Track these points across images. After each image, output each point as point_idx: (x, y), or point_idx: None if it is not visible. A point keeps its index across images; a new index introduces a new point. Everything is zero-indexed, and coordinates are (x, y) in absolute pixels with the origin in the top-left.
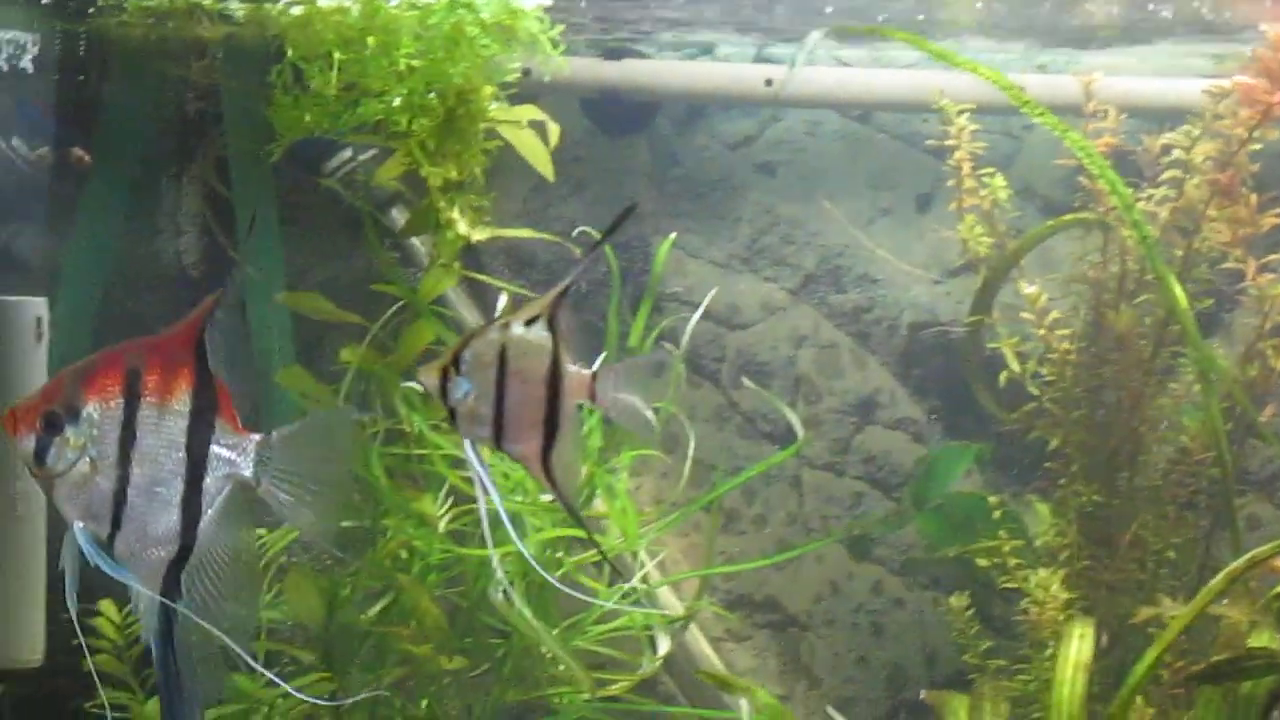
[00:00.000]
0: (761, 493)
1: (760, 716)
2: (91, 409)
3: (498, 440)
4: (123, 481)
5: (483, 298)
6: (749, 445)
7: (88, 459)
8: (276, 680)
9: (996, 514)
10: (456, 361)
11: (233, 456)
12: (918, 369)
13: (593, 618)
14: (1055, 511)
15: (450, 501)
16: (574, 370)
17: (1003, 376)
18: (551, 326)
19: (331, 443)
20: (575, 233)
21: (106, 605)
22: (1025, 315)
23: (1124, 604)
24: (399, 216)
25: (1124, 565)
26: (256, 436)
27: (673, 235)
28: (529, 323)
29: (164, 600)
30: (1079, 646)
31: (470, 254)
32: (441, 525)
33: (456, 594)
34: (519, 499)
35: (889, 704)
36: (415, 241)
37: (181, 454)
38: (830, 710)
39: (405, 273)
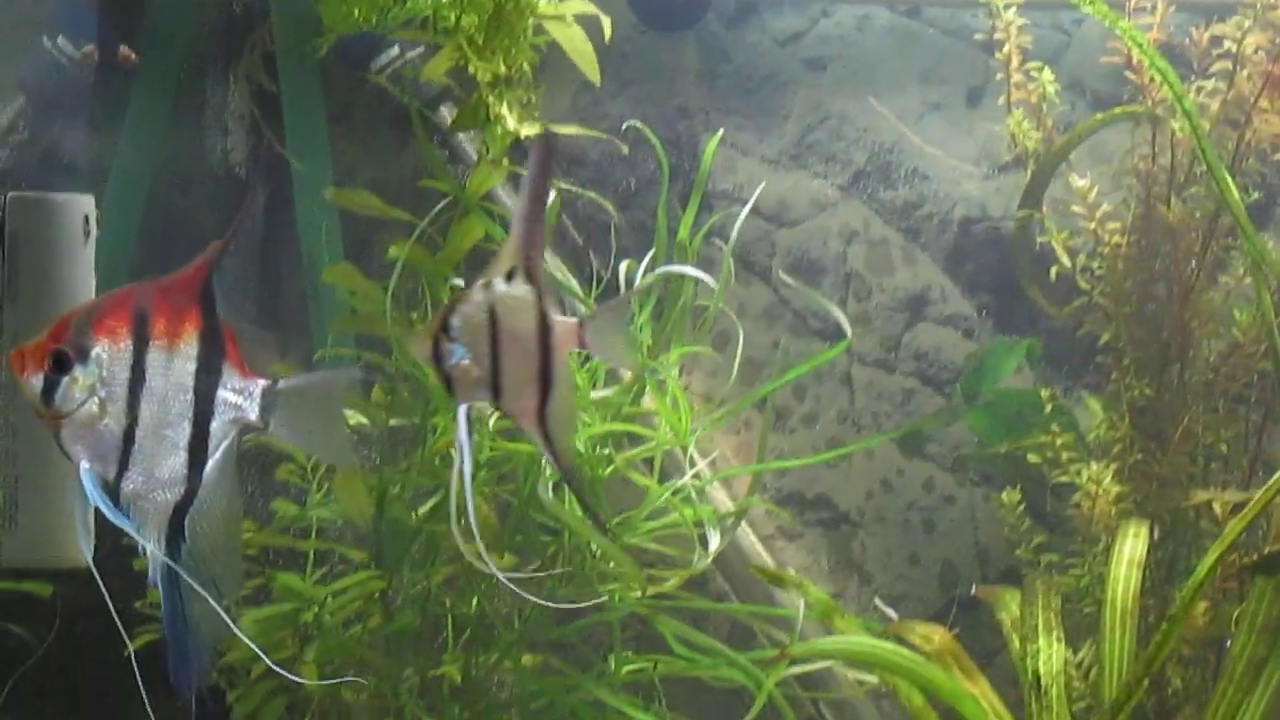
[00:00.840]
0: (812, 390)
1: (812, 613)
2: (100, 349)
3: (496, 400)
4: (131, 423)
5: None
6: (800, 342)
7: (96, 399)
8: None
9: (1048, 409)
10: (446, 327)
11: (239, 401)
12: (968, 265)
13: (644, 514)
14: (1107, 406)
15: None
16: (561, 320)
17: (1053, 271)
18: (530, 277)
19: (332, 401)
20: (624, 127)
21: None
22: (1075, 209)
23: (1175, 498)
24: (447, 113)
25: (1176, 459)
26: (263, 382)
27: (721, 132)
28: (509, 277)
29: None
30: (1133, 544)
31: (518, 150)
32: (491, 422)
33: (507, 491)
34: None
35: (940, 601)
36: (462, 138)
37: (189, 397)
38: (880, 603)
39: (453, 170)
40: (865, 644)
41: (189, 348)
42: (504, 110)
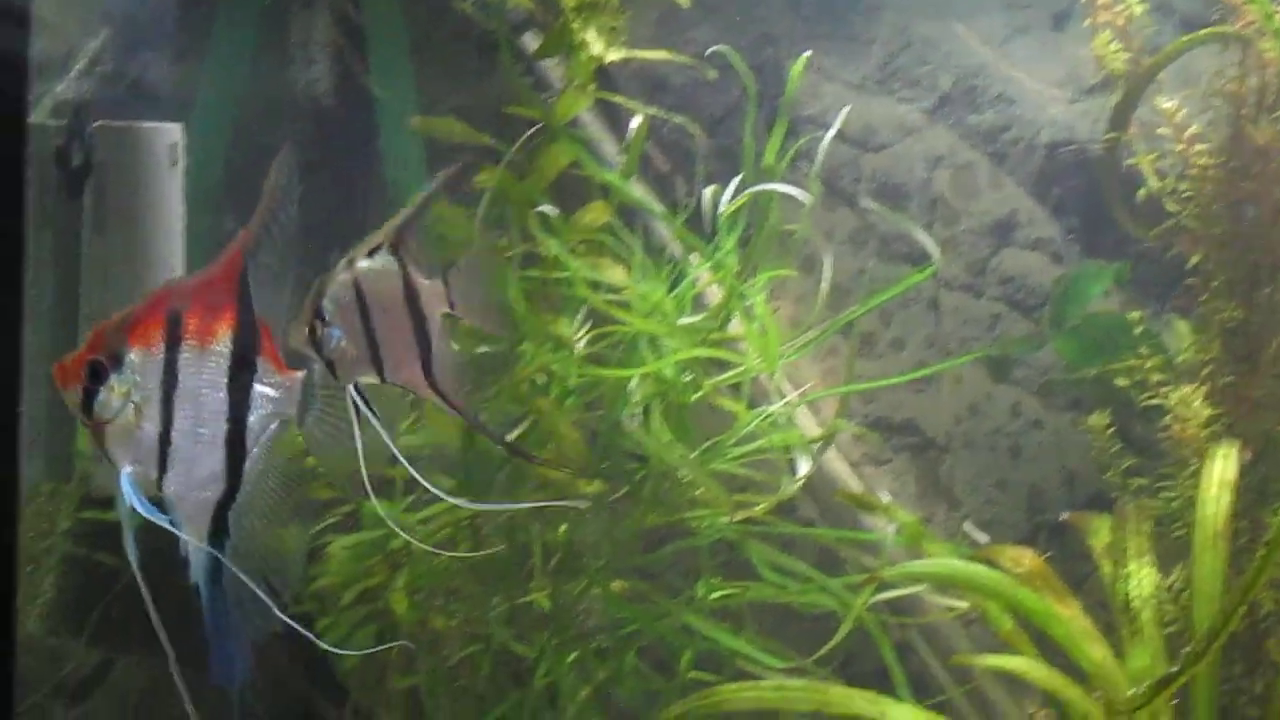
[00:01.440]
0: (899, 315)
1: (901, 537)
2: (134, 355)
3: (380, 374)
4: (167, 424)
5: (615, 121)
6: (886, 267)
7: (132, 405)
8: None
9: (1136, 332)
10: (319, 313)
11: (276, 395)
12: (1055, 188)
13: (732, 440)
14: (1196, 328)
15: (589, 325)
16: (426, 284)
17: (1141, 193)
18: (395, 252)
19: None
20: (708, 53)
21: None
22: (1163, 131)
23: (1267, 420)
24: (532, 40)
25: (1266, 381)
26: (300, 374)
27: (807, 55)
28: (372, 254)
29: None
30: (1223, 466)
31: (603, 76)
32: (579, 348)
33: (595, 418)
34: (656, 321)
35: (1028, 526)
36: (546, 65)
37: (223, 394)
38: (969, 528)
39: (538, 96)
40: (956, 567)
41: (223, 345)
42: (589, 36)
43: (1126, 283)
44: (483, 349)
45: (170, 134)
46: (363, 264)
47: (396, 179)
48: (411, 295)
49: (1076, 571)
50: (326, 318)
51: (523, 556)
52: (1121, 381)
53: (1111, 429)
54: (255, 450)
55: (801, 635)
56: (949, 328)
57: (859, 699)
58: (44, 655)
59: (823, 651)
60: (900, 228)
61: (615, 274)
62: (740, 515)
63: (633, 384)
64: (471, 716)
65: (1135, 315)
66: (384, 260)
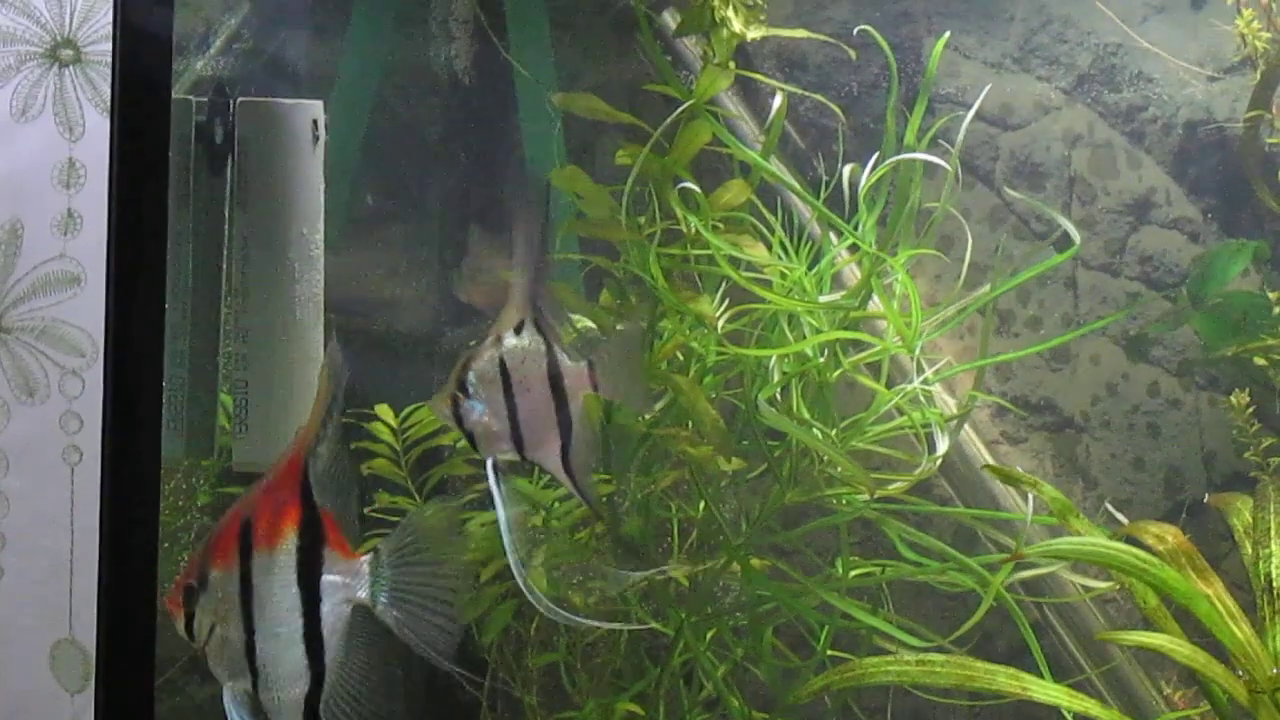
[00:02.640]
0: (1036, 294)
1: (1041, 517)
2: (214, 574)
3: (520, 450)
4: (249, 633)
5: (754, 99)
6: (1022, 245)
7: (218, 622)
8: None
9: (1275, 311)
10: (462, 386)
11: (346, 581)
12: (1193, 167)
13: (870, 419)
14: None
15: (727, 302)
16: (571, 366)
17: None
18: (538, 327)
19: (440, 541)
20: (856, 31)
21: (383, 409)
22: None
23: None
24: (670, 18)
25: None
26: (366, 558)
27: (946, 35)
28: (517, 330)
29: None
30: None
31: (742, 54)
32: (719, 326)
33: (734, 395)
34: (797, 298)
35: (1166, 505)
36: (685, 43)
37: (294, 590)
38: (1109, 507)
39: (677, 74)
40: (1099, 545)
41: (289, 543)
42: (729, 13)
43: (1266, 261)
44: (621, 326)
45: (312, 110)
46: (510, 341)
47: (535, 157)
48: (555, 375)
49: (1213, 551)
50: (470, 391)
51: (661, 533)
52: (1260, 361)
53: (1251, 409)
54: (333, 639)
55: (937, 614)
56: (1086, 306)
57: (1001, 675)
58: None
59: (964, 629)
60: (1037, 206)
61: (756, 251)
62: (880, 493)
63: (772, 362)
64: (608, 693)
65: (1275, 295)
66: (531, 339)
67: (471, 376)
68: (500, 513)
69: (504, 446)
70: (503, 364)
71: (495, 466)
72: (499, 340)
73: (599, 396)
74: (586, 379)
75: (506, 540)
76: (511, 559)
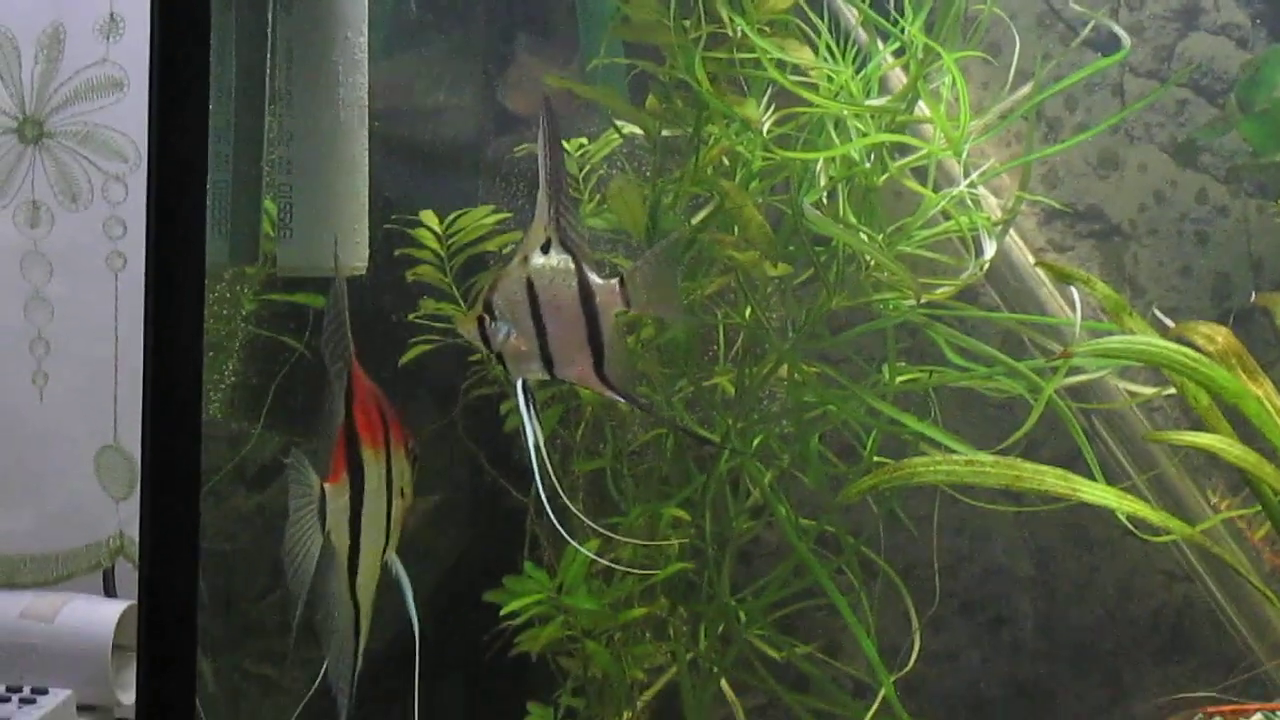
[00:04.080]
0: (1083, 101)
1: (1090, 323)
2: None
3: (550, 370)
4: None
5: None
6: (1072, 52)
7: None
8: None
9: None
10: (489, 308)
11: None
12: None
13: (918, 223)
14: None
15: (773, 106)
16: (601, 284)
17: None
18: (564, 244)
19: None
20: None
21: (427, 215)
22: None
23: None
24: None
25: None
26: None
27: None
28: (544, 249)
29: None
30: None
31: None
32: (765, 130)
33: (780, 201)
34: (843, 102)
35: (1215, 312)
36: None
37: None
38: (1158, 313)
39: None
40: (1150, 343)
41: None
42: None
43: None
44: (667, 132)
45: None
46: (537, 261)
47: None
48: (586, 294)
49: (1262, 358)
50: (496, 313)
51: (707, 340)
52: None
53: None
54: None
55: (986, 422)
56: (1134, 114)
57: (1050, 476)
58: (224, 440)
59: (1018, 436)
60: (1086, 12)
61: (802, 55)
62: (927, 297)
63: (818, 166)
64: (655, 500)
65: None
66: (559, 257)
67: (498, 298)
68: (529, 432)
69: (534, 366)
70: (530, 284)
71: (525, 387)
72: (525, 260)
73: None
74: (618, 296)
75: (535, 461)
76: (538, 480)
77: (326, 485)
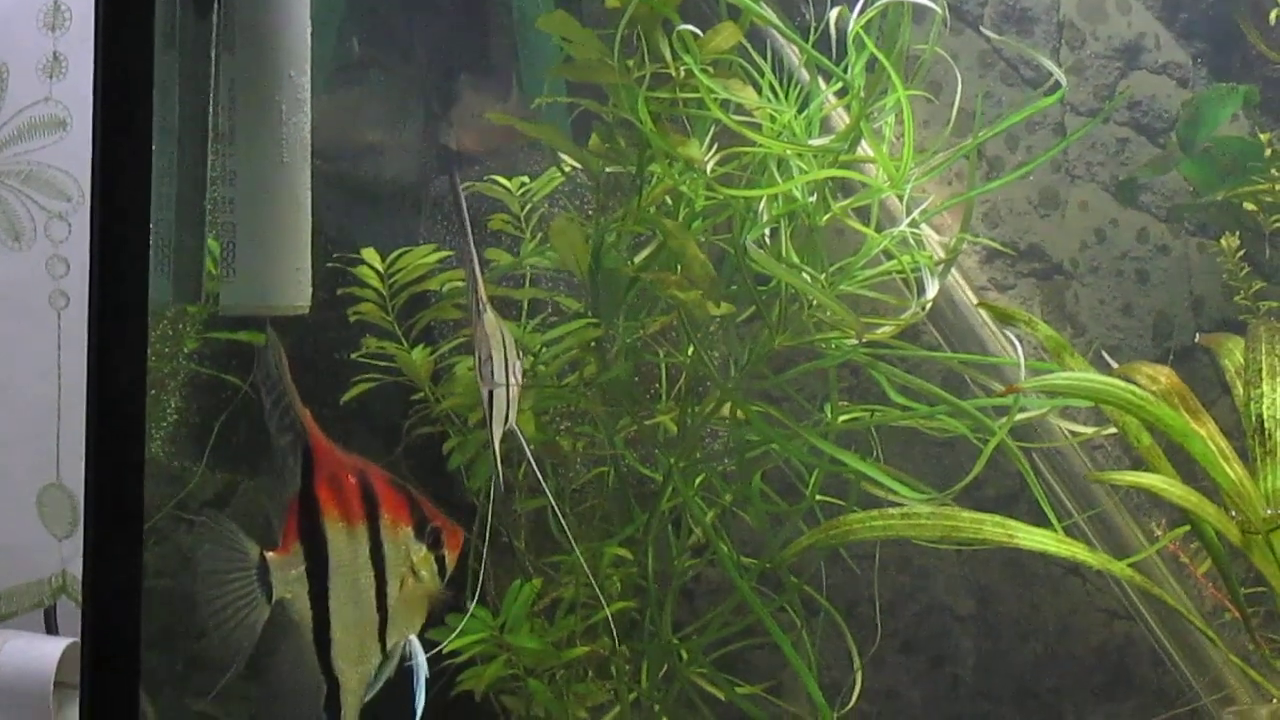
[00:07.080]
0: (1024, 139)
1: (1032, 363)
2: None
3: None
4: None
5: None
6: (1011, 91)
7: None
8: None
9: (1269, 154)
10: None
11: None
12: (1183, 12)
13: (860, 262)
14: None
15: (716, 146)
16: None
17: (1273, 15)
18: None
19: None
20: None
21: (369, 254)
22: None
23: None
24: None
25: None
26: None
27: None
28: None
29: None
30: None
31: None
32: (708, 169)
33: (723, 240)
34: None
35: (1155, 352)
36: None
37: None
38: (1103, 353)
39: None
40: (1095, 380)
41: None
42: None
43: (1255, 106)
44: (610, 169)
45: None
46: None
47: (521, 2)
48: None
49: (1202, 398)
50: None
51: (649, 378)
52: (1250, 205)
53: (1241, 252)
54: None
55: (928, 460)
56: (1075, 152)
57: (988, 524)
58: (165, 479)
59: (967, 481)
60: (1026, 51)
61: (746, 94)
62: (868, 337)
63: (761, 205)
64: (597, 538)
65: (1266, 137)
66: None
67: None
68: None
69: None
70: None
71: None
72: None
73: None
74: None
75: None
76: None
77: (270, 555)
